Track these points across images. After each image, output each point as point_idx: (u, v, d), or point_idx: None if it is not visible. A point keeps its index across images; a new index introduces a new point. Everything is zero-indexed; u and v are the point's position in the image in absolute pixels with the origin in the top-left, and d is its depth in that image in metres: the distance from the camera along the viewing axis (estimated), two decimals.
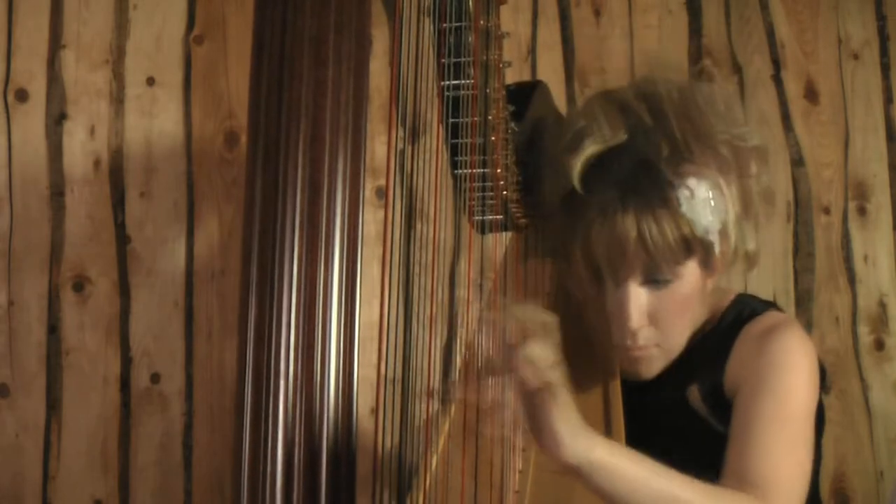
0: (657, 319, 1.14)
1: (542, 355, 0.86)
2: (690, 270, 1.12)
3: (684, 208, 1.08)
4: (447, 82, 1.00)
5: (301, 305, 0.63)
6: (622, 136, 1.11)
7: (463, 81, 0.99)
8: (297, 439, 0.63)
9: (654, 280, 1.12)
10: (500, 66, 1.09)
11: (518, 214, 1.29)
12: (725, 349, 1.16)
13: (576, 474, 0.90)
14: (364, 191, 0.66)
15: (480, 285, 1.42)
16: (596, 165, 1.11)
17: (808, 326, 2.10)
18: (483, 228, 1.21)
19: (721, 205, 1.09)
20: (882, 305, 2.13)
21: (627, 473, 0.91)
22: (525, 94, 1.29)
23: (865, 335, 2.11)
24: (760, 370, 1.10)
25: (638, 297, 1.12)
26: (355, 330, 0.65)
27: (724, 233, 1.11)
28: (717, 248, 1.10)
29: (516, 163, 1.24)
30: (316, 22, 0.65)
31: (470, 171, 1.09)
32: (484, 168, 1.11)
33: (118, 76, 1.94)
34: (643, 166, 1.09)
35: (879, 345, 2.12)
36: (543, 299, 1.37)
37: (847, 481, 2.07)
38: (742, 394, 1.10)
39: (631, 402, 1.18)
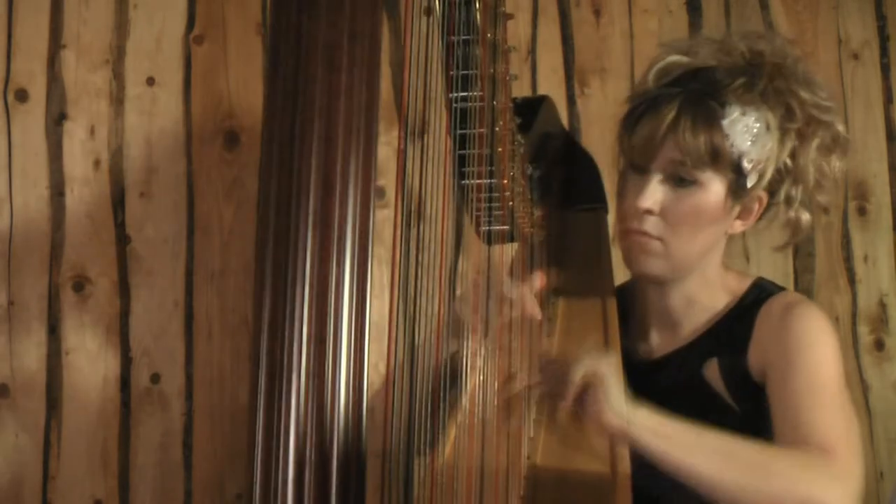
0: (668, 215, 1.18)
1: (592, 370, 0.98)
2: (715, 185, 1.17)
3: (725, 122, 1.14)
4: (455, 94, 1.01)
5: (314, 301, 0.66)
6: (710, 63, 1.20)
7: (471, 93, 1.01)
8: (308, 434, 0.65)
9: (677, 179, 1.17)
10: (507, 78, 1.11)
11: (524, 225, 1.31)
12: (747, 327, 1.20)
13: (623, 438, 0.98)
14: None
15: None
16: (675, 78, 1.21)
17: None
18: (490, 239, 1.23)
19: (764, 141, 1.15)
20: (882, 305, 2.12)
21: (677, 433, 0.98)
22: (532, 108, 1.34)
23: (865, 335, 2.11)
24: (787, 351, 1.14)
25: (657, 187, 1.18)
26: (365, 326, 0.67)
27: (759, 170, 1.16)
28: (749, 183, 1.16)
29: (522, 174, 1.26)
30: (330, 30, 0.68)
31: (477, 181, 1.11)
32: (491, 178, 1.13)
33: (118, 76, 1.94)
34: (712, 86, 1.17)
35: (879, 345, 2.11)
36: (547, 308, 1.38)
37: None
38: (773, 378, 1.14)
39: (643, 383, 1.18)
